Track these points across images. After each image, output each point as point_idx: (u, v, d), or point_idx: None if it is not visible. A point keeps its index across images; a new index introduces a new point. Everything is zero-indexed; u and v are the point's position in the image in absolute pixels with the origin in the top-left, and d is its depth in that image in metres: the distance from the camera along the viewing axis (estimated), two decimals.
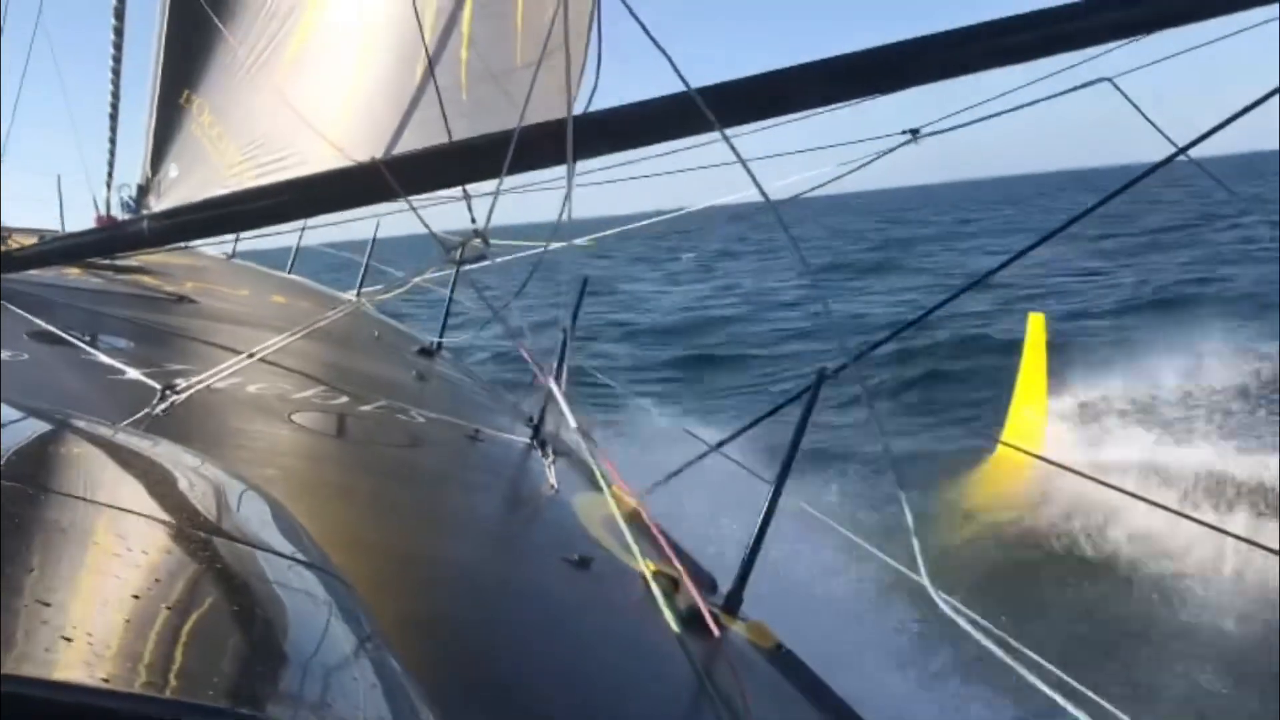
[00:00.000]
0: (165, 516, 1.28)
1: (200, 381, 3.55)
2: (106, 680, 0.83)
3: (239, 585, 1.20)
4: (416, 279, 4.82)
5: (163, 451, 1.67)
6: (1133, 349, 13.51)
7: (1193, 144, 3.33)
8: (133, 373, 3.99)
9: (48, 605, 0.92)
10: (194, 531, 1.27)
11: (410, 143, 6.90)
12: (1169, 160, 3.41)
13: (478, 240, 3.44)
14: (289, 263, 11.05)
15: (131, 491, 1.44)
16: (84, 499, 1.24)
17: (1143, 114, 3.48)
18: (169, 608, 1.01)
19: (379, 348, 7.39)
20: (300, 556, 1.33)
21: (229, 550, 1.25)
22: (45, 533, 1.11)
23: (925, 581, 3.05)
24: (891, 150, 4.02)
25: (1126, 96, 3.48)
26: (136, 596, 1.01)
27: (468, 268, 3.89)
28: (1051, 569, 7.91)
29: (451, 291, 7.72)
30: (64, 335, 4.54)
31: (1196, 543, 7.50)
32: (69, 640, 0.87)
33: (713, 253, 46.36)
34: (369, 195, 3.64)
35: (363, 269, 9.64)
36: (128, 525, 1.20)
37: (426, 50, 6.25)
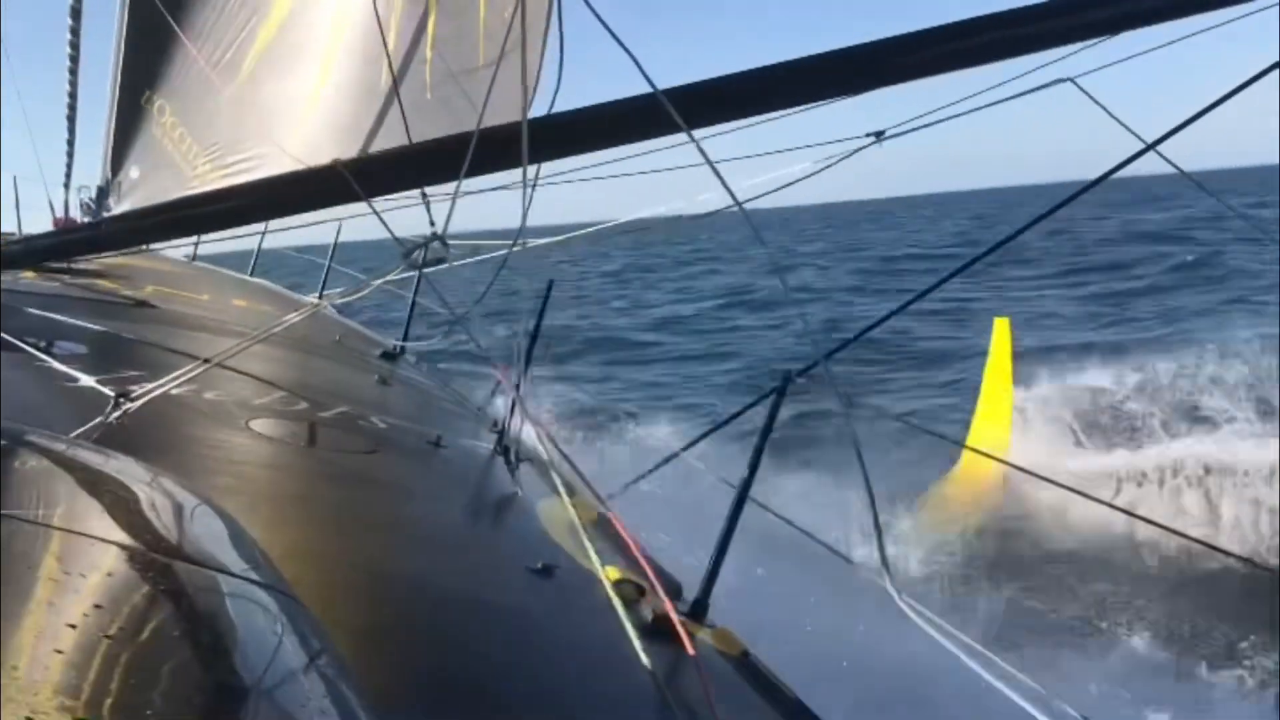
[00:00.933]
0: (114, 536, 1.24)
1: (155, 389, 3.47)
2: (45, 714, 0.79)
3: (186, 608, 1.17)
4: (377, 282, 4.77)
5: (113, 465, 1.62)
6: (1099, 354, 13.61)
7: (1161, 139, 3.34)
8: (86, 380, 3.91)
9: None
10: (142, 552, 1.23)
11: (376, 144, 6.87)
12: (1138, 156, 3.41)
13: (437, 243, 3.38)
14: (250, 266, 10.94)
15: (79, 510, 1.39)
16: (27, 519, 1.20)
17: (1107, 111, 3.48)
18: (110, 635, 0.97)
19: (341, 351, 7.31)
20: (252, 575, 1.30)
21: (178, 571, 1.22)
22: None
23: (890, 587, 3.03)
24: (856, 151, 4.01)
25: (1089, 94, 3.49)
26: (79, 622, 0.97)
27: (429, 270, 3.84)
28: (1015, 573, 7.96)
29: (415, 295, 7.65)
30: (15, 341, 4.45)
31: (1162, 546, 7.58)
32: (6, 671, 0.83)
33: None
34: (330, 197, 3.58)
35: (325, 272, 9.57)
36: (73, 547, 1.16)
37: (387, 51, 6.21)
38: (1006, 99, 3.66)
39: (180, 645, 1.06)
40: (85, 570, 1.10)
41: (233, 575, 1.28)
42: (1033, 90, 3.64)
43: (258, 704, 1.03)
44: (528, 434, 4.73)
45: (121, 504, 1.46)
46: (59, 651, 0.90)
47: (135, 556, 1.20)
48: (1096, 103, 3.49)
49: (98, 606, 1.02)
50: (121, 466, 1.63)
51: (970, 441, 10.70)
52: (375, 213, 3.53)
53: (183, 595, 1.18)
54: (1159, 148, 3.34)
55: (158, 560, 1.22)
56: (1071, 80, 3.49)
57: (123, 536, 1.25)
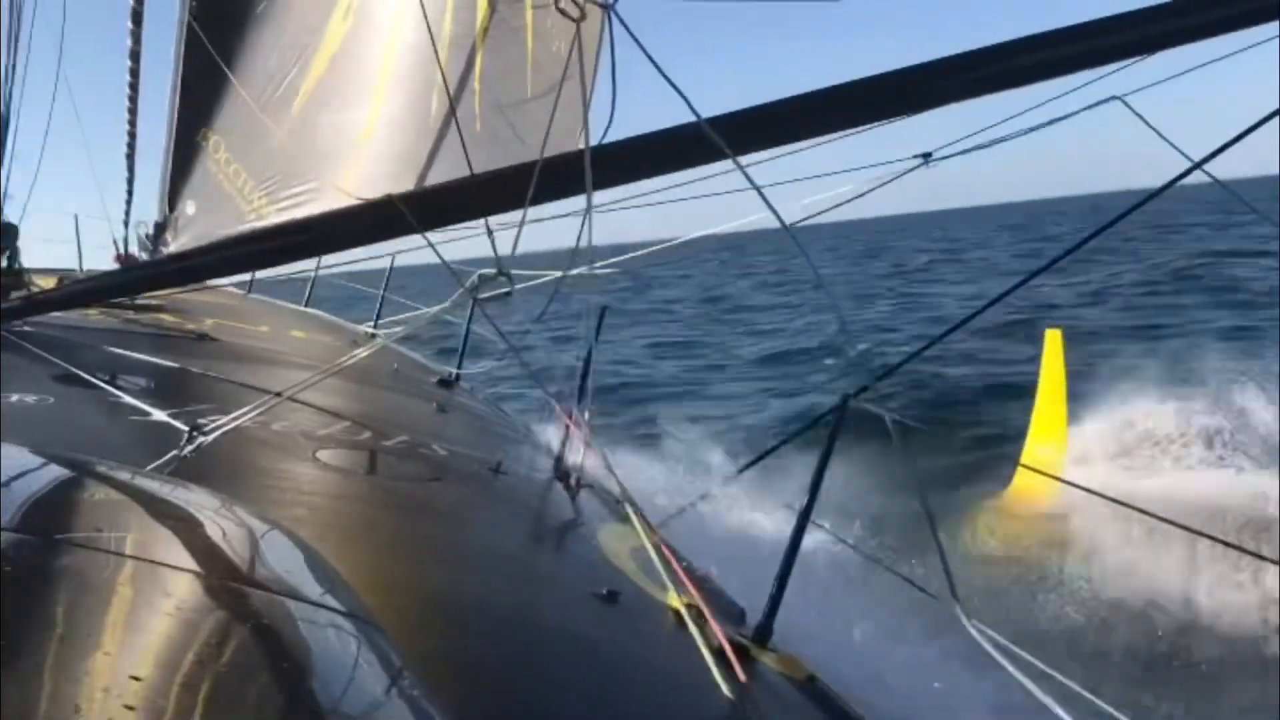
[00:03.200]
0: (198, 567, 1.27)
1: (229, 422, 3.55)
2: None
3: (270, 636, 1.19)
4: (434, 310, 4.82)
5: (192, 498, 1.66)
6: (1158, 372, 13.20)
7: (1209, 158, 3.31)
8: (158, 414, 3.99)
9: (75, 662, 0.91)
10: (228, 581, 1.27)
11: (430, 176, 6.96)
12: (1184, 175, 3.38)
13: (500, 277, 3.43)
14: (305, 296, 11.09)
15: (162, 541, 1.43)
16: (113, 551, 1.23)
17: (1154, 129, 3.46)
18: (203, 662, 1.00)
19: (399, 380, 7.40)
20: (334, 604, 1.33)
21: (264, 600, 1.25)
22: (71, 585, 1.10)
23: (958, 609, 3.01)
24: (904, 174, 4.02)
25: (1136, 112, 3.47)
26: (167, 650, 1.00)
27: (485, 296, 3.89)
28: (1076, 594, 7.82)
29: (468, 323, 7.72)
30: (87, 377, 4.55)
31: (1221, 569, 7.42)
32: (97, 701, 0.85)
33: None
34: (387, 231, 3.64)
35: (379, 302, 9.68)
36: (155, 577, 1.19)
37: (445, 83, 6.29)
38: (1056, 120, 3.65)
39: (265, 673, 1.08)
40: (171, 600, 1.12)
41: (314, 604, 1.31)
42: (1082, 110, 3.63)
43: None
44: (585, 460, 4.76)
45: (203, 535, 1.50)
46: (135, 679, 0.92)
47: (218, 586, 1.23)
48: (1145, 121, 3.47)
49: (185, 635, 1.05)
50: (199, 498, 1.67)
51: (1025, 457, 10.52)
52: (431, 246, 3.58)
53: (266, 624, 1.20)
54: (1206, 166, 3.31)
55: (241, 590, 1.25)
56: (1120, 99, 3.48)
57: (205, 567, 1.28)
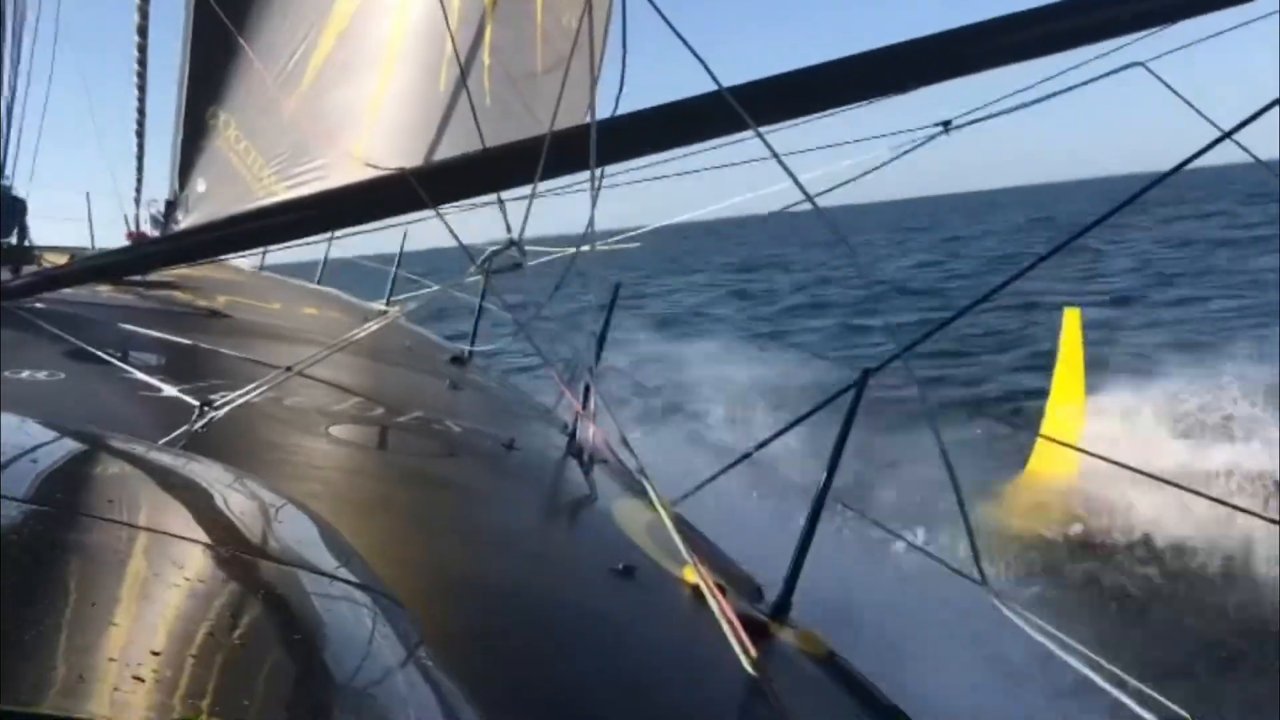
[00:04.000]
0: (213, 539, 1.25)
1: (239, 397, 3.53)
2: (150, 715, 0.80)
3: (285, 608, 1.18)
4: (446, 287, 4.79)
5: (205, 471, 1.65)
6: (1176, 350, 13.11)
7: (1238, 128, 3.25)
8: (169, 389, 3.98)
9: (94, 634, 0.90)
10: (243, 554, 1.25)
11: (439, 150, 6.93)
12: (1213, 145, 3.32)
13: (511, 249, 3.39)
14: (318, 274, 11.08)
15: (176, 514, 1.41)
16: (127, 523, 1.22)
17: (1179, 95, 3.40)
18: (218, 635, 0.98)
19: (411, 357, 7.38)
20: (350, 576, 1.31)
21: (279, 573, 1.24)
22: (86, 559, 1.08)
23: (981, 581, 2.98)
24: (924, 143, 3.96)
25: (1160, 79, 3.40)
26: (183, 623, 0.98)
27: (497, 272, 3.85)
28: (1099, 565, 7.80)
29: (481, 300, 7.69)
30: (99, 353, 4.54)
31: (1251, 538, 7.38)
32: (112, 674, 0.84)
33: None
34: (398, 206, 3.61)
35: (391, 278, 9.65)
36: (170, 549, 1.17)
37: (458, 56, 6.25)
38: (1077, 85, 3.59)
39: (280, 645, 1.07)
40: (185, 572, 1.11)
41: (330, 576, 1.30)
42: (1103, 76, 3.56)
43: (366, 699, 1.04)
44: (599, 435, 4.73)
45: (216, 508, 1.48)
46: (155, 653, 0.90)
47: (233, 559, 1.22)
48: (1168, 86, 3.41)
49: (200, 608, 1.03)
50: (212, 472, 1.65)
51: (1043, 435, 10.42)
52: (442, 218, 3.54)
53: (281, 596, 1.19)
54: (1235, 136, 3.25)
55: (255, 562, 1.23)
56: (1143, 64, 3.41)
57: (220, 539, 1.27)
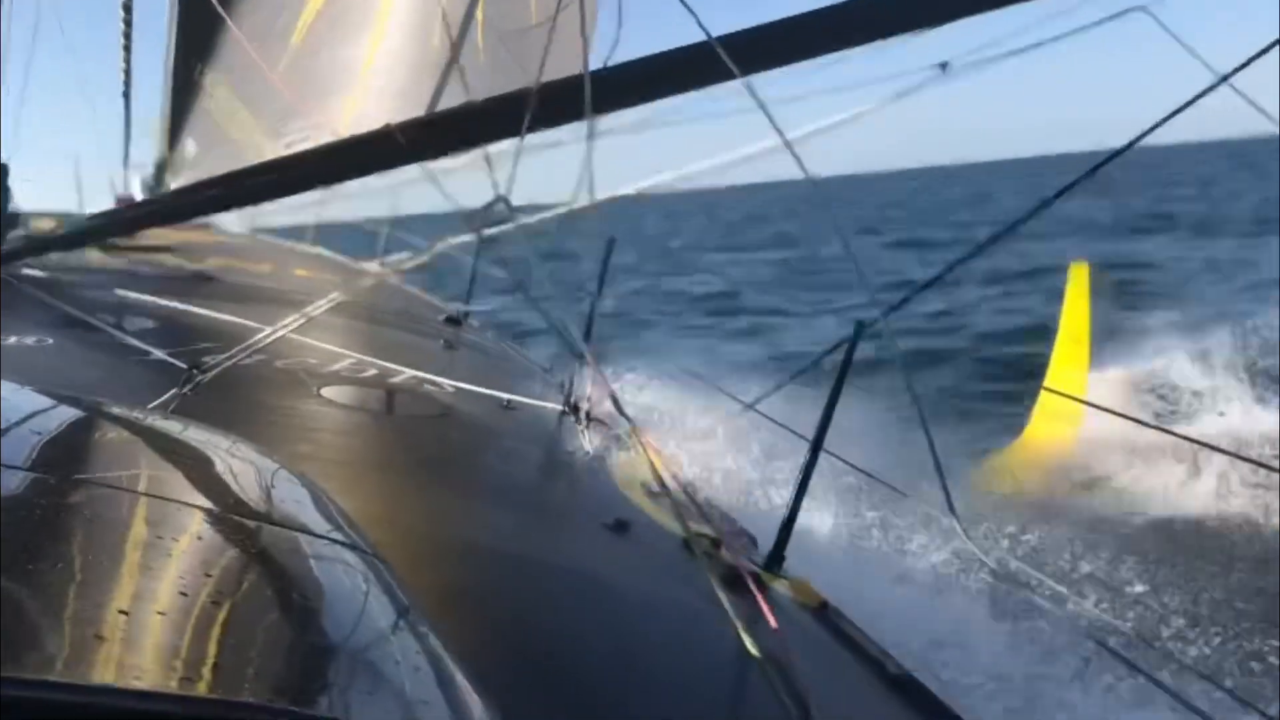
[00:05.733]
0: (199, 501, 1.25)
1: (227, 359, 3.51)
2: (140, 678, 0.80)
3: (275, 570, 1.17)
4: (440, 247, 4.75)
5: (192, 434, 1.63)
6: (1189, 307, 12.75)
7: (1236, 71, 3.20)
8: (158, 353, 3.95)
9: (81, 600, 0.89)
10: (229, 516, 1.25)
11: (433, 105, 6.85)
12: (1210, 90, 3.28)
13: (500, 205, 3.35)
14: (310, 236, 11.00)
15: (162, 477, 1.41)
16: (114, 487, 1.21)
17: (1179, 41, 3.35)
18: (206, 597, 0.98)
19: (405, 318, 7.36)
20: (337, 537, 1.31)
21: (265, 534, 1.23)
22: (75, 523, 1.08)
23: (957, 526, 2.98)
24: (921, 85, 3.90)
25: (1161, 23, 3.35)
26: (171, 586, 0.98)
27: (490, 232, 3.81)
28: (1097, 516, 7.80)
29: (475, 259, 7.64)
30: (87, 319, 4.52)
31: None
32: (103, 638, 0.83)
33: None
34: (386, 161, 3.57)
35: (383, 237, 9.58)
36: (162, 513, 1.17)
37: (448, 26, 6.18)
38: (1078, 30, 3.53)
39: (269, 607, 1.06)
40: (176, 535, 1.11)
41: (317, 537, 1.29)
42: (1105, 20, 3.51)
43: (353, 662, 1.04)
44: (595, 393, 4.71)
45: (203, 471, 1.47)
46: (162, 614, 0.90)
47: (222, 521, 1.21)
48: (1169, 31, 3.37)
49: (189, 571, 1.03)
50: (198, 434, 1.63)
51: (1043, 400, 10.18)
52: (430, 175, 3.50)
53: (271, 558, 1.18)
54: (1232, 81, 3.21)
55: (244, 524, 1.23)
56: (1145, 9, 3.36)
57: (208, 502, 1.26)
